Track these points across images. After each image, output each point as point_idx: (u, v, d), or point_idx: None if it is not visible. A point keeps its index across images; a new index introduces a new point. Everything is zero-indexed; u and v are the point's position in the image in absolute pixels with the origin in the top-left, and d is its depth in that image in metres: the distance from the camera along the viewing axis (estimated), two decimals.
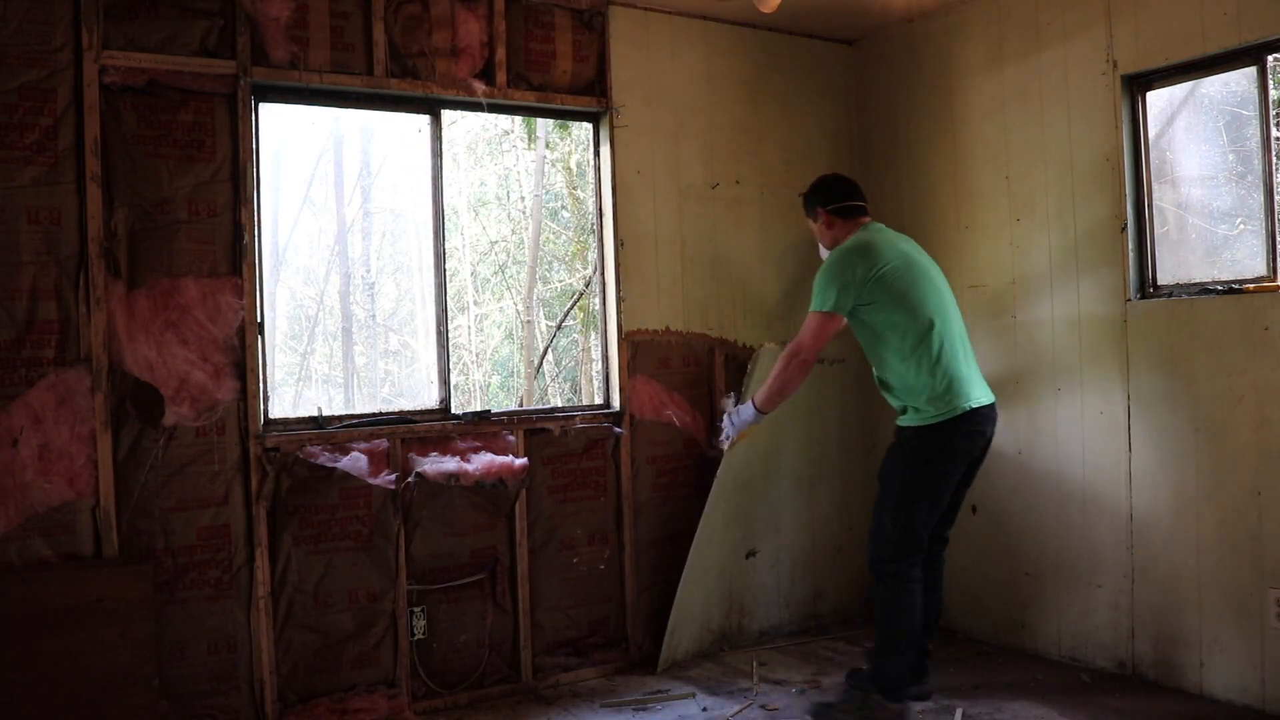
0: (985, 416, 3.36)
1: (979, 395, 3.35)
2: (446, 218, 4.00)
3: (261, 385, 3.46)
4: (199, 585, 3.33)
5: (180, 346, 3.31)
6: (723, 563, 4.24)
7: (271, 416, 3.53)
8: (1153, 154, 3.76)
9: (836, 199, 3.58)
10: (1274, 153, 3.40)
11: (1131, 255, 3.72)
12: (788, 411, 4.18)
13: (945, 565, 3.60)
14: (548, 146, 8.05)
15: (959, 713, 3.45)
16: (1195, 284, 3.61)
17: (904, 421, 3.40)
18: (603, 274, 4.25)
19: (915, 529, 3.33)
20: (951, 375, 3.30)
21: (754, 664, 4.09)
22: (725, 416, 3.74)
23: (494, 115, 6.81)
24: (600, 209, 4.24)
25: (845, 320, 3.42)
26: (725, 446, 3.85)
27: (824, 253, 3.63)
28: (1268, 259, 3.40)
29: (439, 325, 3.92)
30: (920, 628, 3.38)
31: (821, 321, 3.37)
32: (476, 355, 9.28)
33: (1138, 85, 3.74)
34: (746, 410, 3.58)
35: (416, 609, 3.69)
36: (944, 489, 3.36)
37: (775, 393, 3.47)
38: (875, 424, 4.71)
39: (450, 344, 3.95)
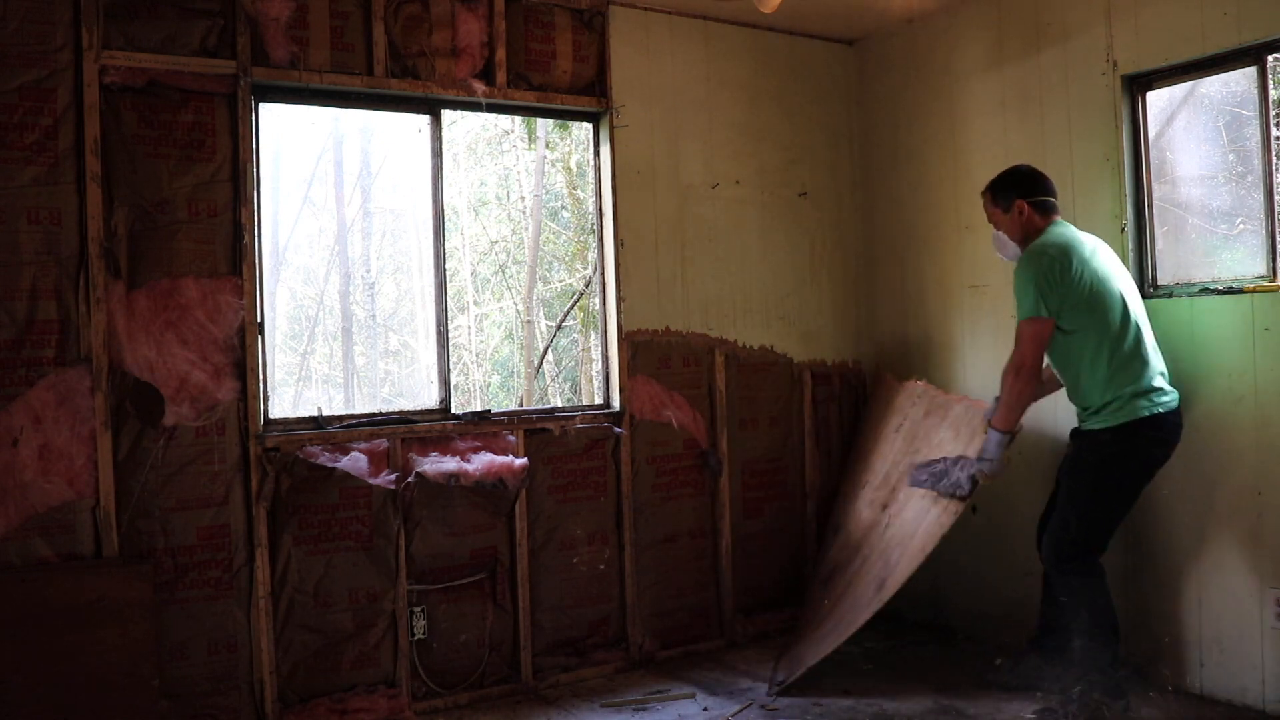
0: (1178, 419, 3.33)
1: (1171, 396, 3.33)
2: (446, 218, 4.00)
3: (261, 385, 3.46)
4: (199, 585, 3.33)
5: (180, 346, 3.31)
6: None
7: (271, 416, 3.53)
8: (1152, 154, 3.76)
9: (1036, 192, 3.47)
10: (1274, 153, 3.40)
11: (1131, 255, 3.72)
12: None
13: None
14: (548, 146, 8.05)
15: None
16: (1195, 284, 3.61)
17: (1097, 424, 3.34)
18: (603, 274, 4.25)
19: (1101, 532, 3.36)
20: (1149, 376, 3.29)
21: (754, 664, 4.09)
22: (948, 470, 3.59)
23: (494, 115, 6.81)
24: (600, 209, 4.24)
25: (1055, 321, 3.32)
26: (967, 492, 3.63)
27: (1004, 243, 3.54)
28: (1268, 259, 3.40)
29: (439, 325, 3.92)
30: (1115, 617, 3.37)
31: (1035, 329, 3.30)
32: (476, 355, 9.28)
33: (1138, 85, 3.74)
34: (991, 439, 3.47)
35: (416, 609, 3.69)
36: (1138, 493, 3.37)
37: (1012, 409, 3.41)
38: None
39: (450, 344, 3.95)
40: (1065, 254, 3.30)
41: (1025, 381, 3.35)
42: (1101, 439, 3.33)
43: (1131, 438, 3.28)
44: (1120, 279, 3.38)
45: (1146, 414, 3.27)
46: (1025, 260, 3.36)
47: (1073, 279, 3.27)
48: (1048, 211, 3.47)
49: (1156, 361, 3.35)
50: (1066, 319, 3.31)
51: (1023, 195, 3.46)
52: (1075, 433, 3.50)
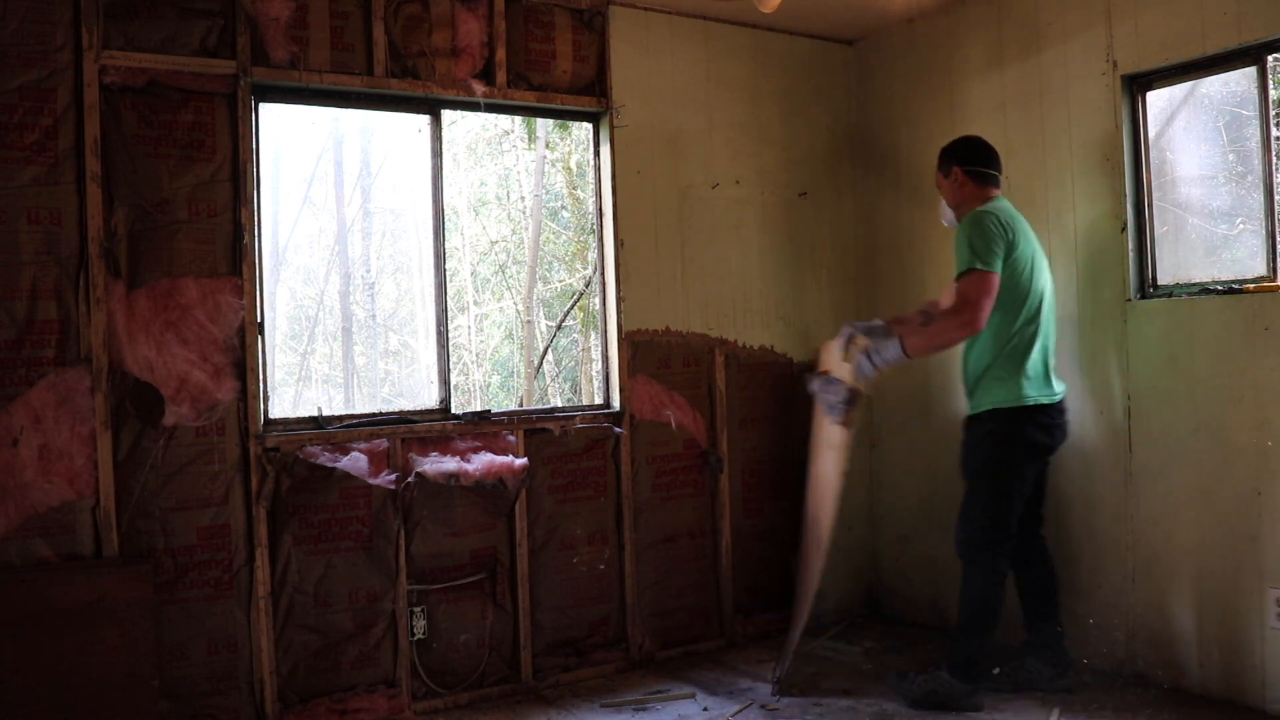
0: (1061, 410, 3.53)
1: (1057, 390, 3.52)
2: (446, 218, 4.00)
3: (261, 385, 3.46)
4: (199, 585, 3.33)
5: (180, 346, 3.31)
6: None
7: (271, 416, 3.53)
8: (1153, 154, 3.76)
9: (974, 161, 3.59)
10: (1274, 153, 3.40)
11: (1131, 255, 3.72)
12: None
13: (1048, 544, 3.74)
14: (548, 146, 8.05)
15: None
16: (1195, 284, 3.61)
17: (981, 407, 3.51)
18: (603, 274, 4.25)
19: (1005, 519, 3.48)
20: (1042, 365, 3.48)
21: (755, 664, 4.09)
22: (860, 355, 3.55)
23: (494, 115, 6.81)
24: (600, 209, 4.24)
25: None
26: (842, 414, 3.66)
27: (945, 212, 3.74)
28: (1268, 259, 3.40)
29: (439, 325, 3.92)
30: (999, 619, 3.50)
31: (987, 280, 3.32)
32: (476, 355, 9.28)
33: (1138, 85, 3.74)
34: (892, 350, 3.45)
35: (416, 609, 3.69)
36: (1028, 475, 3.52)
37: (932, 348, 3.53)
38: (877, 423, 4.72)
39: (450, 344, 3.95)
40: (1012, 222, 3.46)
41: (966, 330, 3.34)
42: (985, 426, 3.51)
43: (1009, 422, 3.44)
44: (1044, 270, 3.56)
45: (1031, 403, 3.43)
46: (973, 219, 3.44)
47: (1011, 248, 3.41)
48: (984, 183, 3.57)
49: (1047, 357, 3.51)
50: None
51: (960, 163, 3.60)
52: (965, 421, 3.63)
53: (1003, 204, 3.55)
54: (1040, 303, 3.48)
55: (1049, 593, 3.69)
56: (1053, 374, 3.53)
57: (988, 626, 3.47)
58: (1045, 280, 3.54)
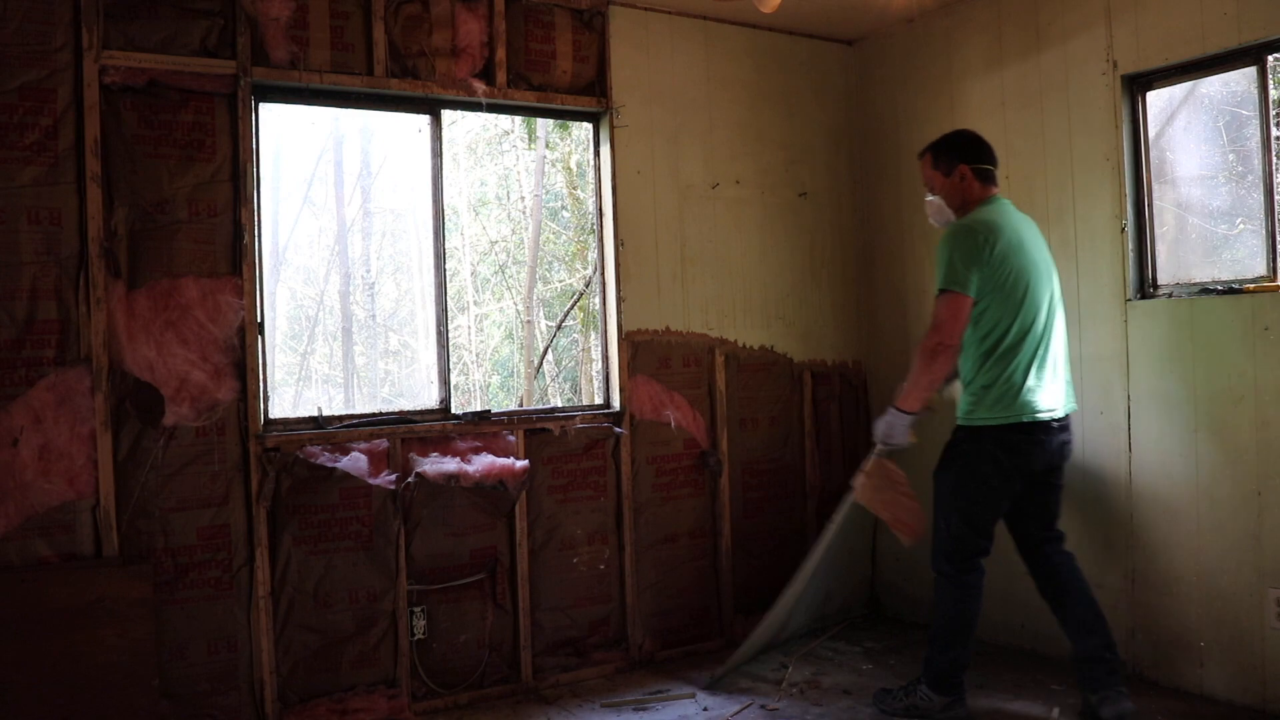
0: (1044, 428, 3.22)
1: (1046, 407, 3.22)
2: (446, 218, 4.00)
3: (261, 385, 3.46)
4: (199, 585, 3.33)
5: (180, 346, 3.31)
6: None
7: (271, 416, 3.53)
8: (1152, 154, 3.76)
9: (980, 159, 3.35)
10: (1274, 153, 3.40)
11: (1131, 255, 3.72)
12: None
13: (1074, 559, 3.41)
14: (548, 146, 8.05)
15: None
16: (1195, 284, 3.61)
17: (960, 419, 3.33)
18: (603, 274, 4.25)
19: (970, 535, 3.32)
20: (1022, 382, 3.19)
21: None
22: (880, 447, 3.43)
23: (494, 115, 6.81)
24: (600, 209, 4.24)
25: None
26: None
27: (940, 209, 3.41)
28: (1268, 259, 3.40)
29: (439, 325, 3.92)
30: (972, 632, 3.35)
31: (957, 303, 3.16)
32: (476, 355, 9.28)
33: (1138, 85, 3.74)
34: (899, 423, 3.29)
35: (416, 609, 3.69)
36: (999, 496, 3.29)
37: (924, 390, 3.26)
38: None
39: (450, 344, 3.95)
40: (992, 234, 3.18)
41: (945, 362, 3.20)
42: (958, 438, 3.34)
43: (978, 440, 3.25)
44: (1040, 282, 3.26)
45: (996, 423, 3.21)
46: (951, 235, 3.23)
47: (995, 262, 3.16)
48: (988, 181, 3.35)
49: (1043, 372, 3.23)
50: (979, 300, 3.20)
51: (966, 160, 3.34)
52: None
53: (990, 208, 3.29)
54: (1030, 317, 3.21)
55: (1087, 619, 3.31)
56: (1048, 391, 3.24)
57: (957, 640, 3.33)
58: (1043, 292, 3.26)
